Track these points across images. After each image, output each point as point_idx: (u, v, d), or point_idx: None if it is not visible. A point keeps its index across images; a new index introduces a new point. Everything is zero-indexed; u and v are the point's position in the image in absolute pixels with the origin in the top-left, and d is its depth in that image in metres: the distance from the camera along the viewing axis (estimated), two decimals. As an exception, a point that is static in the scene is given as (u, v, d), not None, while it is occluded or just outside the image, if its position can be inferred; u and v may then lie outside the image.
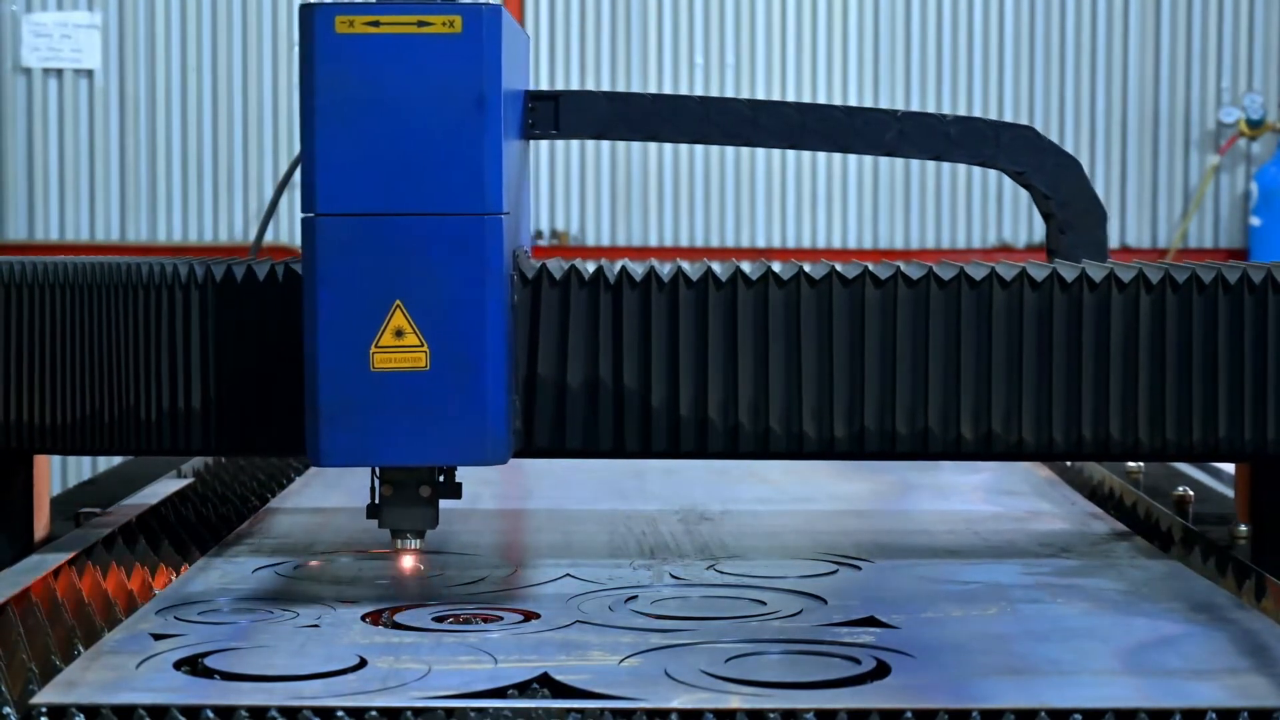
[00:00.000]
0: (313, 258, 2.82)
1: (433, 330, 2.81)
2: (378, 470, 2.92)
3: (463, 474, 2.98)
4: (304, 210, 2.82)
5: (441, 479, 2.94)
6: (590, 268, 3.01)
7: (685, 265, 3.02)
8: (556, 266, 3.01)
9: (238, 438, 3.10)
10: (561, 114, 3.26)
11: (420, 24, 2.80)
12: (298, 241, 10.07)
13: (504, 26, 2.83)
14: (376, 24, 2.80)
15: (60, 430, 3.12)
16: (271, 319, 3.06)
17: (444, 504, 3.06)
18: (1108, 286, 3.02)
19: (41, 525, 3.38)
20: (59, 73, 8.83)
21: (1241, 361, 3.02)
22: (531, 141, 3.28)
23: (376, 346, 2.81)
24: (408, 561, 3.04)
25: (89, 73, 8.83)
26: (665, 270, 3.02)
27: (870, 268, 3.03)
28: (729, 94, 8.84)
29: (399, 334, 2.81)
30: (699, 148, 8.83)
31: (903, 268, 3.04)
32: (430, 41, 2.80)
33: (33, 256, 3.20)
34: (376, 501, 2.93)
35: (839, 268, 3.02)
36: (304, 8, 2.81)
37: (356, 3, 2.82)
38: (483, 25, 2.80)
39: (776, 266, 3.03)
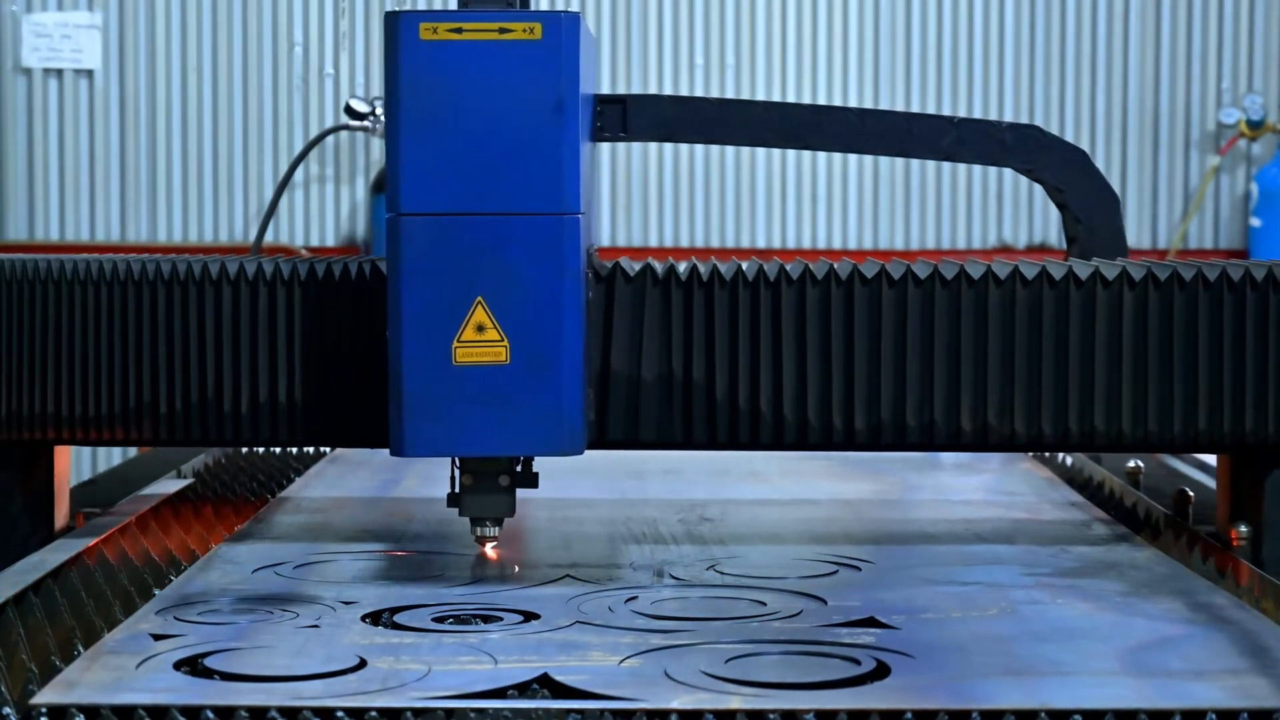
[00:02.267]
0: (397, 256, 2.92)
1: (512, 326, 2.92)
2: (458, 460, 3.04)
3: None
4: (388, 210, 2.92)
5: (519, 469, 3.07)
6: (660, 266, 3.13)
7: (746, 264, 3.15)
8: (629, 265, 3.13)
9: (274, 429, 3.23)
10: (629, 117, 3.37)
11: (501, 31, 2.89)
12: (298, 241, 10.06)
13: (580, 33, 2.92)
14: (459, 31, 2.89)
15: (81, 421, 3.23)
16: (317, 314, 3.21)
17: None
18: (1093, 284, 3.12)
19: (61, 515, 3.45)
20: (59, 73, 8.84)
21: (1221, 356, 3.11)
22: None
23: (458, 341, 2.92)
24: (488, 551, 3.19)
25: (89, 73, 8.83)
26: (732, 269, 3.14)
27: (912, 267, 3.13)
28: (729, 94, 8.84)
29: (480, 329, 2.92)
30: (699, 148, 8.84)
31: (921, 267, 3.14)
32: (511, 48, 2.89)
33: (60, 255, 3.29)
34: (456, 490, 3.07)
35: (888, 268, 3.13)
36: (389, 15, 2.91)
37: (440, 10, 2.89)
38: (562, 32, 2.90)
39: (816, 266, 3.15)
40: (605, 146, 8.83)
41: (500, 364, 2.92)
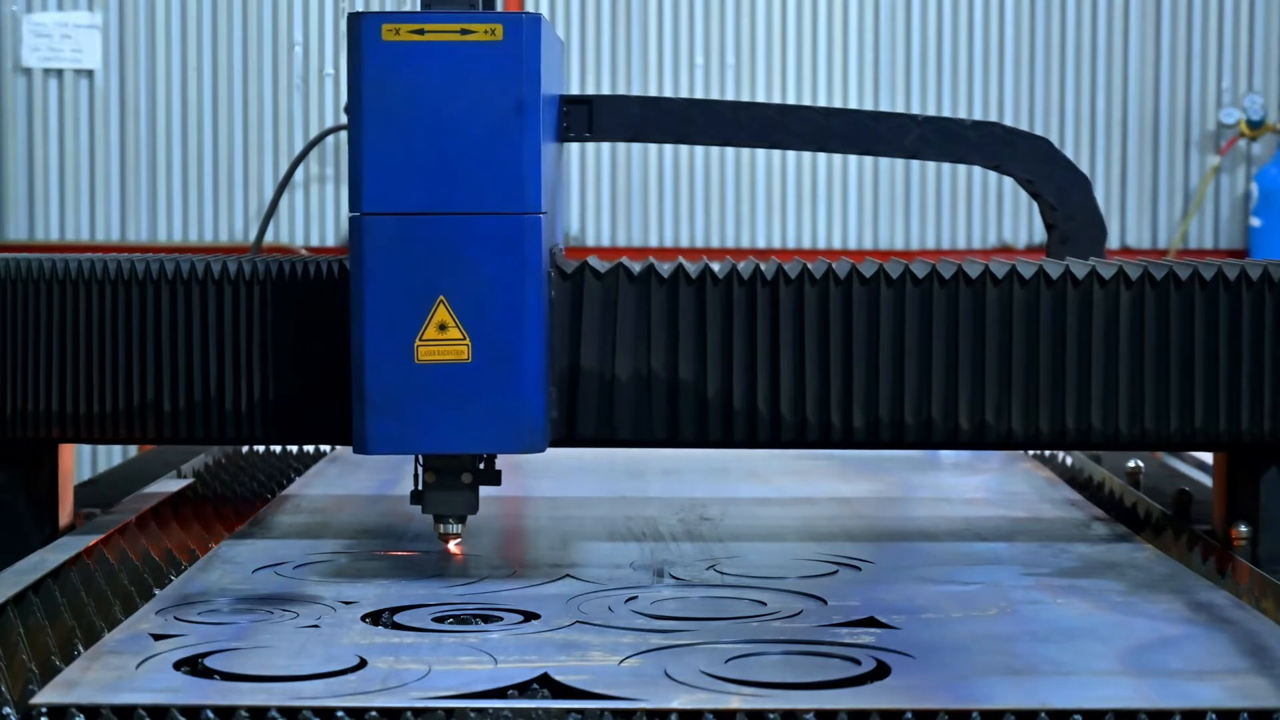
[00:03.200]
0: (359, 255, 2.94)
1: (474, 324, 2.94)
2: (420, 458, 3.07)
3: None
4: (351, 210, 2.95)
5: (482, 466, 3.09)
6: (636, 266, 3.14)
7: (714, 265, 3.16)
8: (599, 263, 3.14)
9: (277, 428, 3.25)
10: (595, 117, 3.40)
11: (463, 32, 2.92)
12: (298, 241, 10.05)
13: (542, 34, 2.95)
14: (421, 32, 2.92)
15: (86, 420, 3.25)
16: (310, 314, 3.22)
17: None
18: (1090, 283, 3.14)
19: (65, 513, 3.47)
20: (59, 73, 8.84)
21: (1217, 355, 3.14)
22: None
23: (421, 340, 2.94)
24: (452, 548, 3.22)
25: (89, 73, 8.83)
26: (727, 268, 3.15)
27: (910, 267, 3.15)
28: (729, 95, 8.84)
29: (442, 328, 2.94)
30: (699, 148, 8.84)
31: (919, 267, 3.17)
32: (473, 49, 2.92)
33: (62, 254, 3.31)
34: (419, 488, 3.09)
35: (886, 267, 3.15)
36: (352, 16, 2.93)
37: (403, 11, 2.91)
38: (523, 33, 2.93)
39: (812, 266, 3.16)
40: (605, 148, 8.83)
41: (462, 362, 2.94)
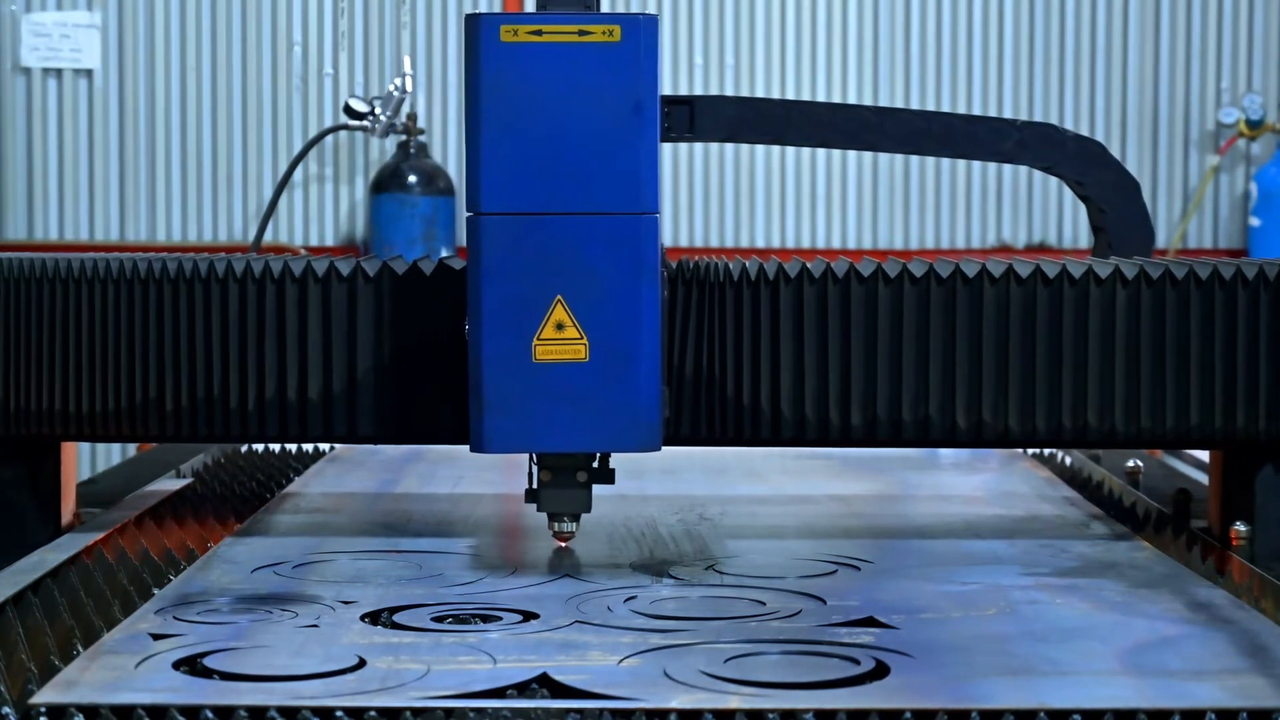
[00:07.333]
0: (477, 254, 2.96)
1: (591, 323, 2.96)
2: (535, 456, 3.08)
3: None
4: (469, 209, 2.96)
5: (595, 465, 3.11)
6: (697, 267, 3.19)
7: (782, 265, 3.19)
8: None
9: (280, 426, 3.26)
10: (696, 118, 3.39)
11: (581, 33, 2.93)
12: (297, 240, 10.03)
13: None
14: (539, 33, 2.93)
15: (90, 418, 3.26)
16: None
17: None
18: (1086, 282, 3.16)
19: (68, 510, 3.48)
20: (59, 73, 8.84)
21: (1212, 353, 3.16)
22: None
23: (538, 339, 2.95)
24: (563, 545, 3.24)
25: (89, 73, 8.83)
26: (725, 268, 3.19)
27: (908, 266, 3.17)
28: (728, 94, 8.84)
29: (560, 327, 2.96)
30: (698, 147, 8.84)
31: (917, 266, 3.19)
32: (590, 50, 2.93)
33: (66, 254, 3.33)
34: (534, 486, 3.10)
35: (883, 266, 3.18)
36: (470, 17, 2.94)
37: (521, 13, 2.94)
38: (640, 34, 2.94)
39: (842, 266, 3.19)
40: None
41: (579, 361, 2.96)
